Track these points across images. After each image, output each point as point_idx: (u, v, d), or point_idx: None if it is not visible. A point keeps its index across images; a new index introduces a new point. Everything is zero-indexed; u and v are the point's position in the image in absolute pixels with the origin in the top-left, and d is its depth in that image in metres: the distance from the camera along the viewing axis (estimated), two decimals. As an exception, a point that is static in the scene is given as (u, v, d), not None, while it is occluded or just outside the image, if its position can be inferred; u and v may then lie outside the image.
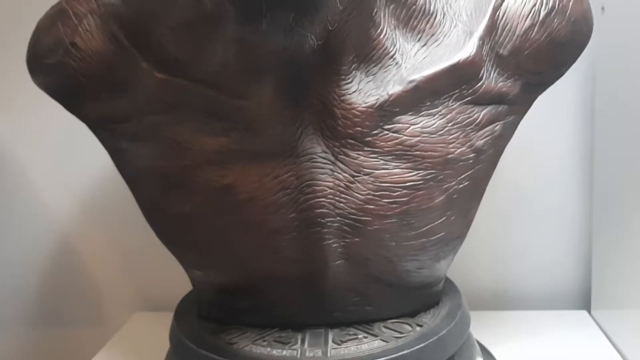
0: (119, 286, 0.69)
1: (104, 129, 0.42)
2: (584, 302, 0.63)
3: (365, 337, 0.39)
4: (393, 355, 0.36)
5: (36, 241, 0.69)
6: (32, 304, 0.70)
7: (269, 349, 0.38)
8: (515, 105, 0.41)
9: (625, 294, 0.53)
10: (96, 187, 0.67)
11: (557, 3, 0.40)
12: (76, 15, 0.40)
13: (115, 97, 0.40)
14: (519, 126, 0.61)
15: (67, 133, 0.65)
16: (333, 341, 0.39)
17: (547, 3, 0.40)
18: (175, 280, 0.67)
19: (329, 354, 0.37)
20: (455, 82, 0.39)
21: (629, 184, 0.52)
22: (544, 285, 0.65)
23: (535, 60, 0.40)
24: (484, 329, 0.57)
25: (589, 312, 0.61)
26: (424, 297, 0.43)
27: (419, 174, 0.38)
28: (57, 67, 0.40)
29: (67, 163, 0.66)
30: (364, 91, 0.37)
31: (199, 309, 0.44)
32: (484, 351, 0.50)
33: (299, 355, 0.37)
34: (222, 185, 0.38)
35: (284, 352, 0.38)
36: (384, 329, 0.40)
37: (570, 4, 0.40)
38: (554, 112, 0.62)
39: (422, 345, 0.38)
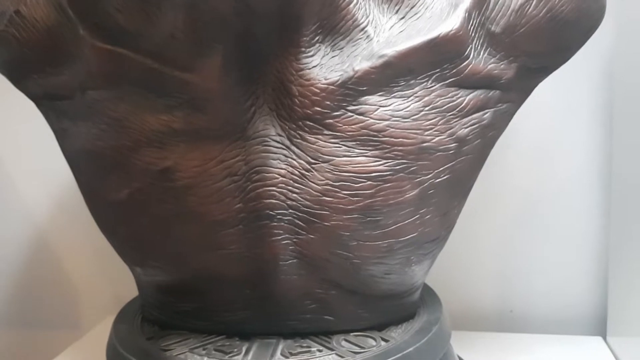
0: (95, 288, 0.66)
1: (48, 106, 0.39)
2: (599, 327, 0.57)
3: (320, 351, 0.34)
4: (344, 374, 0.31)
5: (12, 240, 0.66)
6: (5, 303, 0.67)
7: (205, 359, 0.33)
8: (510, 92, 0.36)
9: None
10: (73, 185, 0.64)
11: None
12: None
13: (58, 70, 0.37)
14: (530, 129, 0.56)
15: (45, 129, 0.63)
16: (281, 353, 0.34)
17: None
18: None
19: (271, 368, 0.32)
20: (435, 59, 0.34)
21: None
22: (555, 307, 0.58)
23: (533, 40, 0.35)
24: (485, 351, 0.52)
25: (605, 338, 0.55)
26: (394, 308, 0.37)
27: (387, 164, 0.33)
28: (2, 38, 0.37)
29: (44, 160, 0.63)
30: (327, 66, 0.33)
31: (143, 311, 0.39)
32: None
33: (237, 368, 0.32)
34: (161, 169, 0.33)
35: (222, 364, 0.33)
36: (343, 343, 0.35)
37: None
38: (569, 116, 0.56)
39: (382, 363, 0.32)
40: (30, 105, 0.39)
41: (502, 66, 0.35)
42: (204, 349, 0.34)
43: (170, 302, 0.37)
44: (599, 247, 0.57)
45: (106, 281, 0.65)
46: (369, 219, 0.33)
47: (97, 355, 0.53)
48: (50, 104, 0.38)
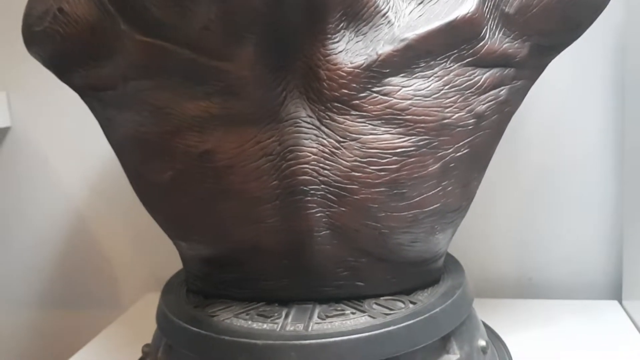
0: (133, 267, 0.69)
1: (93, 97, 0.41)
2: (615, 291, 0.59)
3: (353, 313, 0.37)
4: (378, 331, 0.34)
5: (52, 222, 0.70)
6: (47, 283, 0.71)
7: (249, 322, 0.36)
8: (524, 70, 0.38)
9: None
10: (110, 169, 0.67)
11: None
12: None
13: (101, 63, 0.39)
14: (546, 105, 0.58)
15: (83, 116, 0.66)
16: (318, 316, 0.37)
17: None
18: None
19: (310, 329, 0.35)
20: (453, 41, 0.36)
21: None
22: (571, 273, 0.61)
23: (545, 19, 0.37)
24: (505, 317, 0.55)
25: (620, 302, 0.57)
26: (421, 274, 0.40)
27: (411, 140, 0.36)
28: (46, 34, 0.40)
29: (82, 146, 0.67)
30: (352, 51, 0.35)
31: (187, 283, 0.43)
32: (495, 338, 0.47)
33: (278, 329, 0.35)
34: (202, 151, 0.36)
35: (264, 326, 0.36)
36: (374, 306, 0.38)
37: None
38: (582, 91, 0.58)
39: (410, 322, 0.35)
40: (69, 96, 0.42)
41: (516, 45, 0.37)
42: (247, 314, 0.37)
43: (213, 273, 0.40)
44: (613, 216, 0.59)
45: (143, 261, 0.69)
46: (395, 191, 0.36)
47: (139, 330, 0.56)
48: (94, 94, 0.41)
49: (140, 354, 0.47)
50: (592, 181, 0.59)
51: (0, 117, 0.66)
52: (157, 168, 0.38)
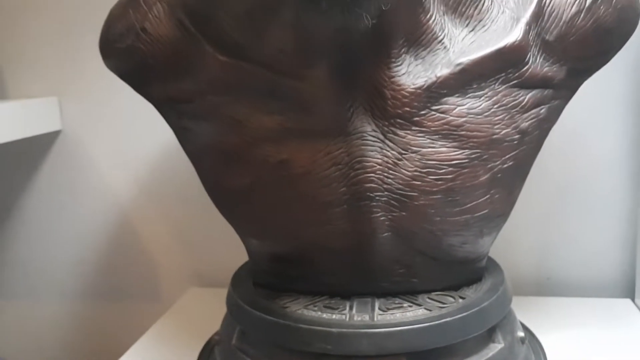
0: (175, 262, 0.73)
1: (170, 108, 0.45)
2: (628, 290, 0.64)
3: (410, 306, 0.41)
4: (436, 322, 0.39)
5: (98, 218, 0.74)
6: (93, 278, 0.75)
7: (319, 313, 0.41)
8: (561, 90, 0.43)
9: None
10: (154, 168, 0.72)
11: None
12: (146, 3, 0.43)
13: (181, 78, 0.43)
14: (567, 113, 0.62)
15: (128, 118, 0.70)
16: (379, 308, 0.41)
17: None
18: (227, 257, 0.71)
19: (375, 319, 0.39)
20: (501, 65, 0.40)
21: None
22: (588, 273, 0.65)
23: (581, 46, 0.41)
24: (525, 313, 0.58)
25: (633, 300, 0.62)
26: (467, 272, 0.45)
27: (464, 153, 0.40)
28: (129, 51, 0.44)
29: (128, 148, 0.71)
30: (413, 73, 0.39)
31: (254, 277, 0.47)
32: (527, 330, 0.52)
33: (347, 319, 0.40)
34: (279, 161, 0.40)
35: (334, 316, 0.40)
36: (428, 300, 0.42)
37: None
38: (601, 100, 0.62)
39: (464, 314, 0.40)
40: (117, 101, 0.44)
41: (554, 69, 0.42)
42: (314, 306, 0.42)
43: (282, 269, 0.45)
44: (627, 219, 0.63)
45: (184, 257, 0.73)
46: (449, 198, 0.40)
47: (188, 323, 0.61)
48: (171, 106, 0.45)
49: (200, 344, 0.51)
50: (607, 187, 0.64)
51: (52, 121, 0.70)
52: (236, 175, 0.42)
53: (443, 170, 0.40)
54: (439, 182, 0.40)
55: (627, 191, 0.63)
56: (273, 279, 0.46)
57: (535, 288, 0.67)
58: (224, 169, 0.43)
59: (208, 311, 0.63)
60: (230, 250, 0.70)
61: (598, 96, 0.62)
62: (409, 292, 0.43)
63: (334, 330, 0.38)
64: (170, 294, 0.73)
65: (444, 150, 0.40)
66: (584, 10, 0.41)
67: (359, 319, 0.40)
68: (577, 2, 0.41)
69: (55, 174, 0.73)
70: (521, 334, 0.44)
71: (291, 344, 0.39)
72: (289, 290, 0.44)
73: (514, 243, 0.66)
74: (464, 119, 0.40)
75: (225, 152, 0.42)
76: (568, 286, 0.66)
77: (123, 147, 0.71)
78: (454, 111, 0.40)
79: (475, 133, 0.40)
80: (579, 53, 0.42)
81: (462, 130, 0.40)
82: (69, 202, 0.74)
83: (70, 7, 0.70)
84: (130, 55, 0.44)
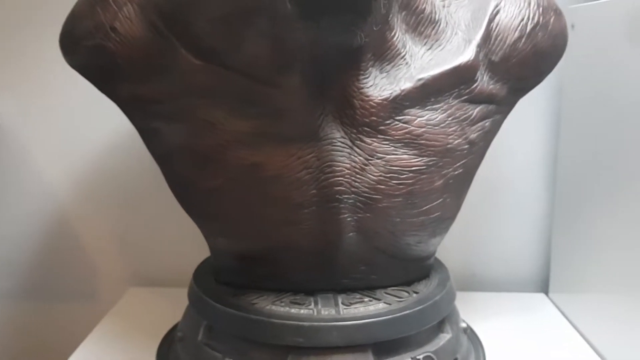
0: (114, 262, 0.73)
1: (137, 108, 0.45)
2: (543, 285, 0.71)
3: (370, 301, 0.45)
4: (398, 315, 0.42)
5: (34, 217, 0.71)
6: (28, 277, 0.72)
7: (287, 309, 0.43)
8: (502, 106, 0.48)
9: (580, 278, 0.61)
10: (93, 166, 0.70)
11: (541, 19, 0.46)
12: (116, 3, 0.43)
13: (152, 79, 0.44)
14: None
15: (66, 115, 0.68)
16: (342, 303, 0.44)
17: (533, 18, 0.46)
18: (167, 257, 0.72)
19: (341, 313, 0.42)
20: (455, 82, 0.44)
21: (587, 181, 0.59)
22: (507, 270, 0.72)
23: (521, 68, 0.46)
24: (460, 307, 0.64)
25: (547, 294, 0.69)
26: (419, 269, 0.49)
27: (423, 160, 0.44)
28: (96, 49, 0.43)
29: (67, 145, 0.69)
30: (379, 86, 0.42)
31: (216, 275, 0.48)
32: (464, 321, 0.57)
33: (315, 314, 0.42)
34: (252, 163, 0.42)
35: (302, 311, 0.43)
36: (385, 294, 0.46)
37: (552, 20, 0.47)
38: (523, 115, 0.68)
39: (421, 307, 0.44)
40: (55, 97, 0.42)
41: (498, 87, 0.46)
42: (281, 302, 0.44)
43: (249, 266, 0.46)
44: (543, 220, 0.70)
45: (123, 257, 0.72)
46: (409, 201, 0.44)
47: (133, 322, 0.60)
48: (138, 105, 0.45)
49: (151, 343, 0.51)
50: (525, 191, 0.70)
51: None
52: (208, 176, 0.43)
53: (404, 176, 0.43)
54: (401, 187, 0.43)
55: (542, 195, 0.70)
56: (238, 276, 0.47)
57: (462, 284, 0.72)
58: (196, 170, 0.44)
59: (153, 310, 0.64)
60: (170, 250, 0.71)
61: (519, 108, 0.68)
62: (367, 288, 0.46)
63: (305, 324, 0.40)
64: (109, 294, 0.71)
65: (405, 157, 0.43)
66: (525, 35, 0.46)
67: (326, 313, 0.42)
68: (519, 27, 0.46)
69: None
70: (464, 324, 0.49)
71: (263, 338, 0.41)
72: (254, 287, 0.46)
73: (442, 243, 0.71)
74: (423, 129, 0.44)
75: (198, 154, 0.43)
76: (490, 282, 0.72)
77: (61, 144, 0.70)
78: (415, 122, 0.43)
79: (432, 142, 0.44)
80: (519, 73, 0.47)
81: (422, 140, 0.44)
82: (3, 199, 0.70)
83: (5, 2, 0.67)
84: (97, 54, 0.44)
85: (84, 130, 0.69)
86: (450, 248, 0.70)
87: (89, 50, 0.44)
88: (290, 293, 0.46)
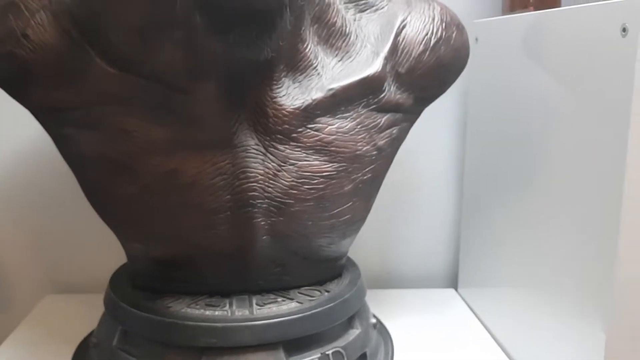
0: (28, 270, 0.71)
1: (50, 115, 0.45)
2: (452, 281, 0.75)
3: (284, 300, 0.47)
4: (307, 313, 0.44)
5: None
6: None
7: (202, 311, 0.44)
8: (408, 114, 0.51)
9: (487, 273, 0.65)
10: (8, 173, 0.68)
11: (444, 33, 0.50)
12: (28, 10, 0.43)
13: (65, 87, 0.43)
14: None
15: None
16: (257, 304, 0.46)
17: (436, 33, 0.49)
18: (84, 263, 0.71)
19: (254, 313, 0.44)
20: (364, 92, 0.47)
21: (492, 184, 0.64)
22: (420, 267, 0.76)
23: (425, 79, 0.49)
24: (372, 304, 0.67)
25: (456, 289, 0.73)
26: (331, 269, 0.51)
27: (334, 166, 0.46)
28: (8, 57, 0.43)
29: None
30: (292, 95, 0.44)
31: (133, 280, 0.49)
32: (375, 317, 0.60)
33: (230, 315, 0.44)
34: (167, 170, 0.43)
35: (216, 313, 0.44)
36: (298, 294, 0.48)
37: (454, 35, 0.50)
38: (432, 122, 0.73)
39: (330, 305, 0.46)
40: None
41: (404, 96, 0.49)
42: (197, 305, 0.45)
43: (165, 271, 0.47)
44: (452, 221, 0.75)
45: (38, 264, 0.71)
46: (320, 205, 0.46)
47: (49, 330, 0.60)
48: (51, 113, 0.45)
49: (67, 349, 0.51)
50: (436, 194, 0.75)
51: None
52: (123, 183, 0.44)
53: (315, 181, 0.46)
54: (312, 191, 0.46)
55: (451, 199, 0.75)
56: (154, 281, 0.48)
57: (380, 281, 0.75)
58: (110, 177, 0.44)
59: (69, 317, 0.63)
60: (87, 256, 0.70)
61: (429, 118, 0.72)
62: (281, 288, 0.48)
63: (218, 325, 0.42)
64: (26, 303, 0.69)
65: (316, 164, 0.46)
66: (429, 49, 0.49)
67: (240, 313, 0.44)
68: (424, 41, 0.49)
69: None
70: (373, 320, 0.52)
71: (177, 340, 0.42)
72: (171, 291, 0.47)
73: (361, 243, 0.74)
74: (333, 137, 0.46)
75: (113, 161, 0.44)
76: (404, 279, 0.76)
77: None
78: (326, 129, 0.46)
79: (342, 149, 0.46)
80: (423, 84, 0.50)
81: (332, 147, 0.46)
82: None
83: None
84: (9, 61, 0.43)
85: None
86: (369, 249, 0.75)
87: (0, 56, 0.43)
88: (206, 296, 0.47)
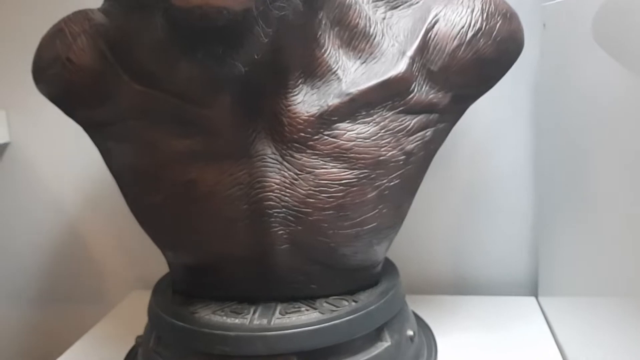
0: (119, 268, 0.77)
1: (95, 131, 0.49)
2: (532, 289, 0.69)
3: (307, 310, 0.46)
4: (325, 324, 0.44)
5: (46, 228, 0.77)
6: (41, 283, 0.79)
7: (224, 318, 0.45)
8: (445, 114, 0.47)
9: (568, 281, 0.59)
10: (100, 180, 0.75)
11: (484, 25, 0.46)
12: (71, 35, 0.48)
13: (103, 104, 0.47)
14: (475, 133, 0.68)
15: (73, 130, 0.73)
16: (279, 312, 0.46)
17: (474, 25, 0.46)
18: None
19: (272, 323, 0.44)
20: (387, 94, 0.45)
21: (570, 184, 0.58)
22: (497, 274, 0.71)
23: (463, 76, 0.46)
24: (441, 311, 0.64)
25: (537, 298, 0.67)
26: (362, 277, 0.49)
27: (353, 173, 0.45)
28: (56, 78, 0.48)
29: (74, 159, 0.75)
30: (308, 102, 0.44)
31: (173, 284, 0.51)
32: (426, 328, 0.57)
33: (247, 323, 0.44)
34: (187, 181, 0.45)
35: (236, 321, 0.45)
36: (324, 304, 0.47)
37: (498, 25, 0.46)
38: (505, 115, 0.68)
39: (352, 317, 0.45)
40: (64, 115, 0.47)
41: (439, 96, 0.46)
42: (222, 311, 0.46)
43: (195, 277, 0.49)
44: (530, 226, 0.69)
45: (128, 263, 0.77)
46: (341, 214, 0.45)
47: (128, 324, 0.64)
48: (95, 128, 0.49)
49: (131, 346, 0.55)
50: (512, 195, 0.69)
51: (0, 134, 0.74)
52: (150, 192, 0.46)
53: (334, 189, 0.44)
54: (331, 200, 0.45)
55: (529, 200, 0.69)
56: (189, 286, 0.50)
57: (452, 288, 0.72)
58: (140, 187, 0.47)
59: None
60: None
61: (502, 112, 0.68)
62: (309, 297, 0.48)
63: (232, 333, 0.43)
64: (116, 297, 0.76)
65: (335, 171, 0.44)
66: (465, 43, 0.46)
67: (257, 322, 0.44)
68: (458, 36, 0.45)
69: (3, 185, 0.77)
70: (411, 332, 0.49)
71: (196, 346, 0.44)
72: (204, 296, 0.49)
73: (432, 247, 0.72)
74: (353, 143, 0.45)
75: (141, 172, 0.47)
76: (480, 286, 0.71)
77: (68, 158, 0.75)
78: (344, 136, 0.44)
79: (363, 155, 0.45)
80: (461, 82, 0.46)
81: (352, 153, 0.45)
82: (16, 211, 0.77)
83: (16, 21, 0.73)
84: (57, 82, 0.48)
85: (88, 145, 0.73)
86: (440, 252, 0.72)
87: (50, 79, 0.48)
88: (235, 302, 0.48)
